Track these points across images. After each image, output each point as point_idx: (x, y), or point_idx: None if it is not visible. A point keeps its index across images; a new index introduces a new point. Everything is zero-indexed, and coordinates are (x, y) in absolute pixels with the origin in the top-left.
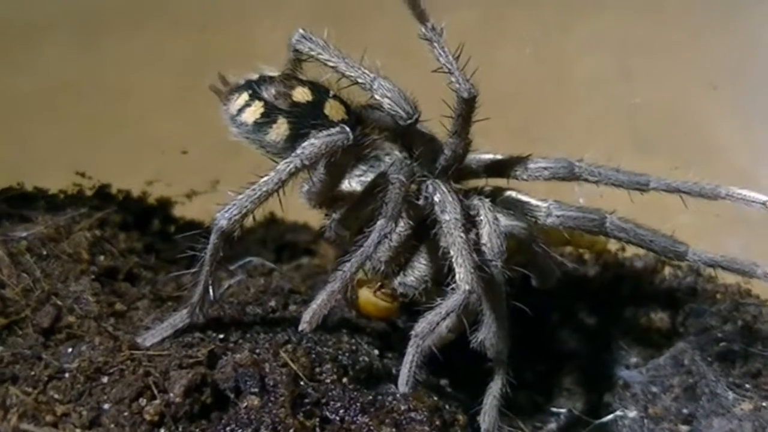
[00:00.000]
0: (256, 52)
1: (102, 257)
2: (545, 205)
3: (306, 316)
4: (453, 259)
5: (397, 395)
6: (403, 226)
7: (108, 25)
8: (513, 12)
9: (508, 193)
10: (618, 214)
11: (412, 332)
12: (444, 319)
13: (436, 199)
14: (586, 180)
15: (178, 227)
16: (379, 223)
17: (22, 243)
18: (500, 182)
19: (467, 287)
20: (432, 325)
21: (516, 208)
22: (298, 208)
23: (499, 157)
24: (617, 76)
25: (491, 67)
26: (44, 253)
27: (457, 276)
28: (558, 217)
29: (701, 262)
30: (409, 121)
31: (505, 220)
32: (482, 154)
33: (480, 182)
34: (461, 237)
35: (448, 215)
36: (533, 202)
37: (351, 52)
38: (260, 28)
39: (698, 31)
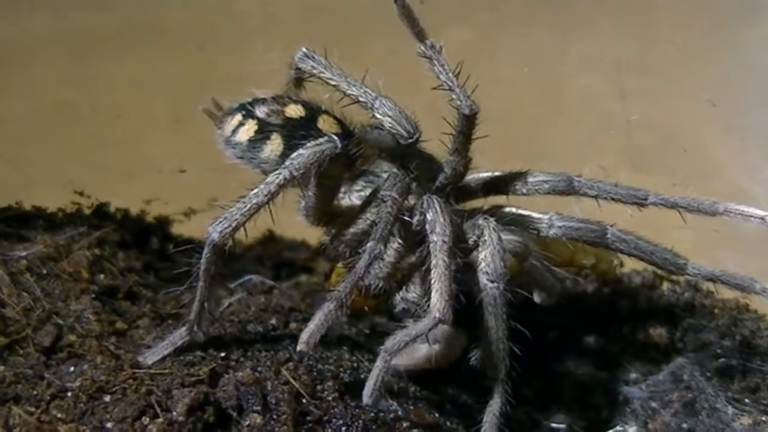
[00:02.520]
0: (251, 72)
1: (102, 276)
2: (546, 217)
3: (303, 336)
4: (431, 283)
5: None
6: (398, 243)
7: (104, 45)
8: (508, 31)
9: (508, 209)
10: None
11: (382, 347)
12: (413, 340)
13: (428, 217)
14: (585, 194)
15: (177, 245)
16: (369, 244)
17: (22, 262)
18: (500, 200)
19: (437, 315)
20: (400, 345)
21: (517, 223)
22: (296, 226)
23: (497, 173)
24: (613, 94)
25: (487, 86)
26: (44, 272)
27: (432, 301)
28: (560, 228)
29: (700, 276)
30: (410, 140)
31: (503, 236)
32: (481, 173)
33: (479, 203)
34: (444, 261)
35: (436, 236)
36: (534, 215)
37: (351, 72)
38: (256, 49)
39: (694, 48)
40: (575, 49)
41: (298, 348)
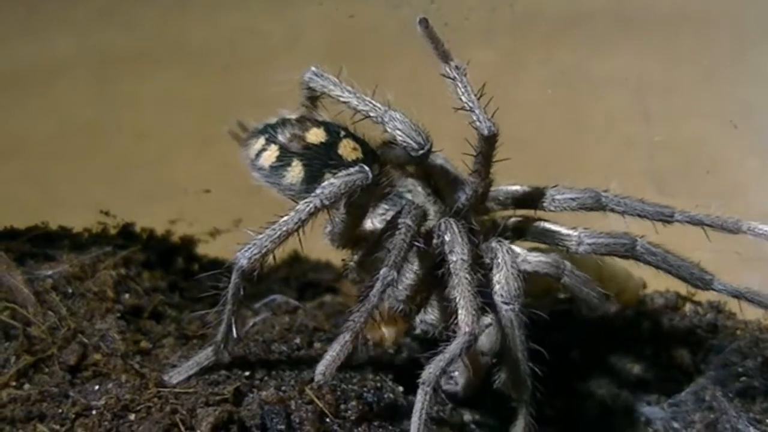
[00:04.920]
0: (276, 92)
1: (127, 295)
2: (576, 233)
3: (321, 367)
4: (456, 301)
5: (429, 422)
6: (417, 267)
7: (128, 65)
8: (531, 52)
9: (537, 223)
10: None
11: (420, 380)
12: (449, 364)
13: (446, 238)
14: (612, 210)
15: (202, 265)
16: (381, 271)
17: (48, 281)
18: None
19: (467, 329)
20: (438, 371)
21: (547, 238)
22: (322, 247)
23: (526, 188)
24: (636, 115)
25: (510, 107)
26: (70, 291)
27: (459, 318)
28: (589, 245)
29: (725, 292)
30: (421, 152)
31: (532, 257)
32: (509, 185)
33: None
34: (466, 278)
35: (455, 255)
36: (563, 231)
37: (367, 89)
38: (281, 68)
39: (714, 69)
40: (598, 70)
41: (315, 379)
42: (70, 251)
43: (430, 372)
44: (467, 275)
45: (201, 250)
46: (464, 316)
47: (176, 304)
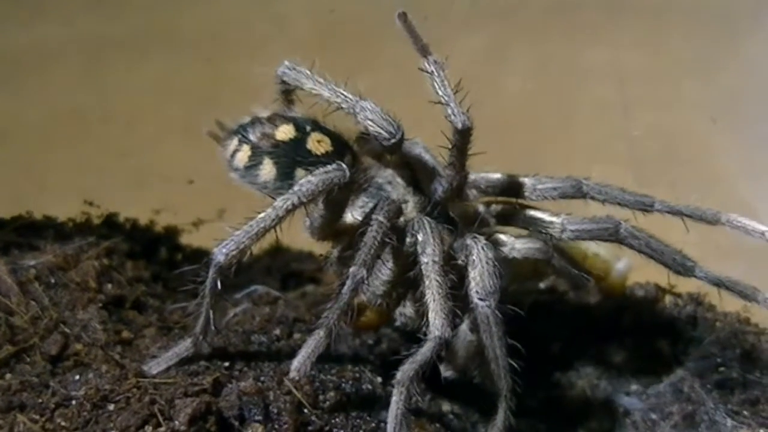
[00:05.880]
0: (262, 82)
1: (110, 285)
2: (559, 220)
3: (295, 363)
4: (427, 304)
5: (404, 421)
6: (391, 264)
7: (116, 53)
8: (518, 40)
9: (521, 210)
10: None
11: (394, 380)
12: (422, 367)
13: (419, 238)
14: (593, 198)
15: (185, 255)
16: (351, 269)
17: (31, 271)
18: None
19: (437, 333)
20: (411, 372)
21: (530, 225)
22: (304, 238)
23: (507, 177)
24: (620, 104)
25: (494, 96)
26: (52, 281)
27: (430, 322)
28: (573, 231)
29: (707, 280)
30: (393, 141)
31: (520, 244)
32: (490, 174)
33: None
34: (437, 281)
35: (427, 257)
36: (547, 218)
37: (355, 78)
38: (267, 57)
39: (698, 60)
40: (582, 60)
41: (291, 375)
42: (54, 241)
43: (403, 373)
44: (438, 277)
45: (184, 240)
46: (434, 320)
47: (159, 294)
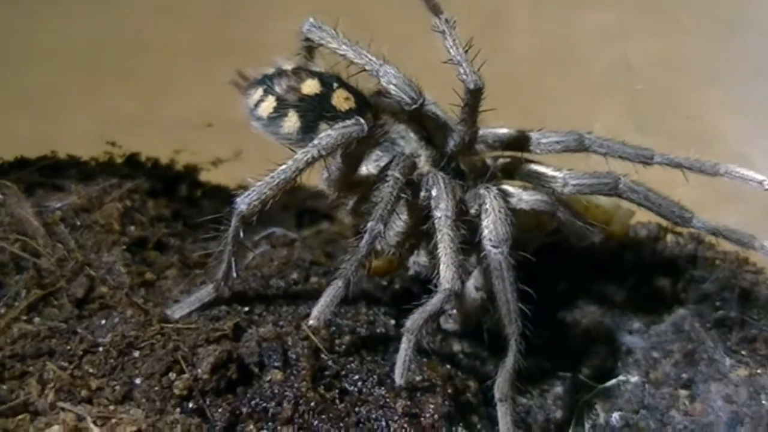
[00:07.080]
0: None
1: (132, 227)
2: (561, 175)
3: (315, 312)
4: (439, 257)
5: (412, 366)
6: (406, 217)
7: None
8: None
9: (524, 164)
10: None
11: (403, 328)
12: (431, 318)
13: (433, 193)
14: (594, 151)
15: (205, 192)
16: (369, 224)
17: (57, 213)
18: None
19: (447, 285)
20: (420, 321)
21: (533, 179)
22: (319, 175)
23: (513, 132)
24: (622, 60)
25: (501, 53)
26: (78, 223)
27: (441, 275)
28: (574, 185)
29: (704, 229)
30: (414, 106)
31: (527, 196)
32: (497, 129)
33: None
34: (449, 235)
35: (440, 212)
36: (549, 173)
37: (361, 40)
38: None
39: (699, 20)
40: (585, 21)
41: (309, 323)
42: (78, 182)
43: (413, 322)
44: (450, 231)
45: (204, 177)
46: (445, 272)
47: (180, 233)
